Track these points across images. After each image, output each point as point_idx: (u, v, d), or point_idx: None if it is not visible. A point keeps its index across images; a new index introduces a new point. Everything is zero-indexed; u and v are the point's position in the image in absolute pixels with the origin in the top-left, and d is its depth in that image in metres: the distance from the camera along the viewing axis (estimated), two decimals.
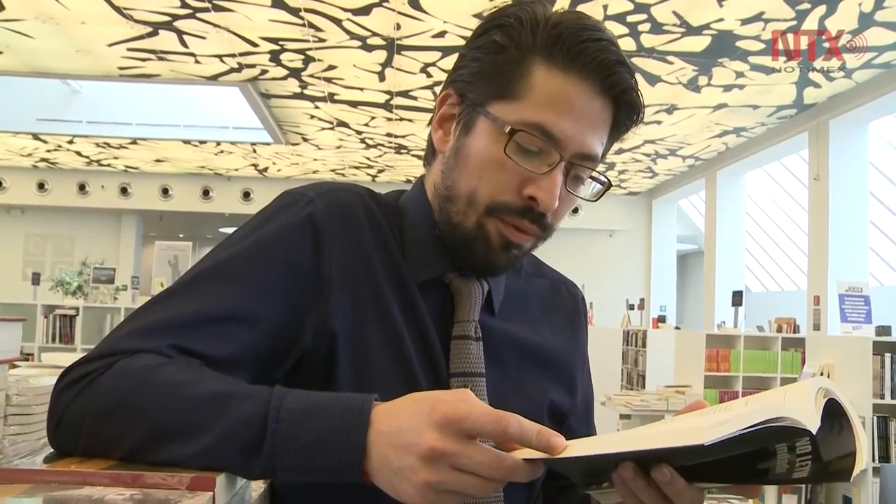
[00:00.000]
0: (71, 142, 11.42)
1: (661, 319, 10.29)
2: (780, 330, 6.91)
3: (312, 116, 9.64)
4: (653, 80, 7.55)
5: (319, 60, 7.46)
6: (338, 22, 6.44)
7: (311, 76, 7.98)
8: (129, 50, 7.30)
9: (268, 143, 11.03)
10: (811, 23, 6.06)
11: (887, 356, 4.32)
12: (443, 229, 0.87)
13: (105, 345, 0.73)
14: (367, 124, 9.93)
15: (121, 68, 7.94)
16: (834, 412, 0.58)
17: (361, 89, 8.38)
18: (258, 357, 0.77)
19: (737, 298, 7.12)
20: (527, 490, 0.87)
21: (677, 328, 10.83)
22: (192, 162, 12.82)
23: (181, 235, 17.61)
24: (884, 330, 5.00)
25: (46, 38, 7.04)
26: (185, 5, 6.16)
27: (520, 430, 0.61)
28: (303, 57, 7.38)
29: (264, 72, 7.88)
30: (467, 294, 0.87)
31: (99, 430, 0.66)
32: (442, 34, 6.60)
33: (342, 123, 9.95)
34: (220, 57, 7.46)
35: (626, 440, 0.62)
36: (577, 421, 0.98)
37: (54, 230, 14.67)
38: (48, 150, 12.16)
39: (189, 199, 13.95)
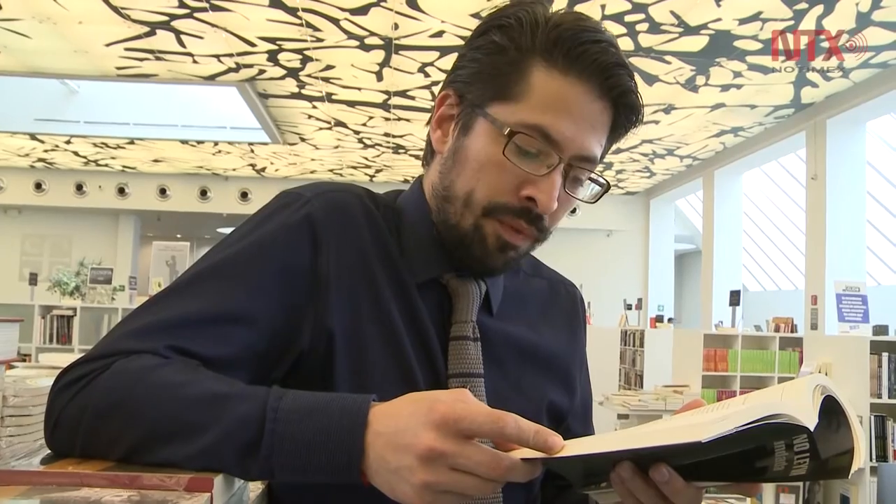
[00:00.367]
0: (68, 142, 11.41)
1: (659, 319, 10.30)
2: (777, 329, 6.92)
3: (310, 116, 9.64)
4: (650, 79, 7.56)
5: (317, 60, 7.46)
6: (336, 22, 6.44)
7: (309, 76, 7.97)
8: (127, 50, 7.29)
9: (265, 143, 11.02)
10: (808, 23, 6.07)
11: (884, 355, 4.32)
12: (440, 230, 0.87)
13: (102, 346, 0.73)
14: (364, 124, 9.93)
15: (118, 68, 7.93)
16: (831, 409, 0.58)
17: (359, 89, 8.38)
18: (256, 357, 0.77)
19: (734, 298, 7.12)
20: (525, 490, 0.87)
21: (670, 320, 10.85)
22: (189, 162, 12.81)
23: (179, 235, 17.60)
24: (881, 329, 5.00)
25: (44, 38, 7.03)
26: (182, 5, 6.15)
27: (517, 429, 0.61)
28: (300, 57, 7.38)
29: (262, 71, 7.88)
30: (465, 295, 0.87)
31: (96, 431, 0.66)
32: (440, 34, 6.60)
33: (340, 123, 9.95)
34: (217, 57, 7.46)
35: (624, 439, 0.62)
36: (575, 421, 0.98)
37: (51, 230, 14.66)
38: (45, 150, 12.14)
39: (187, 199, 13.93)
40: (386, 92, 8.45)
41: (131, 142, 11.27)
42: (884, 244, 11.18)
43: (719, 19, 6.10)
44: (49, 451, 0.69)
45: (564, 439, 0.65)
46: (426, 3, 6.00)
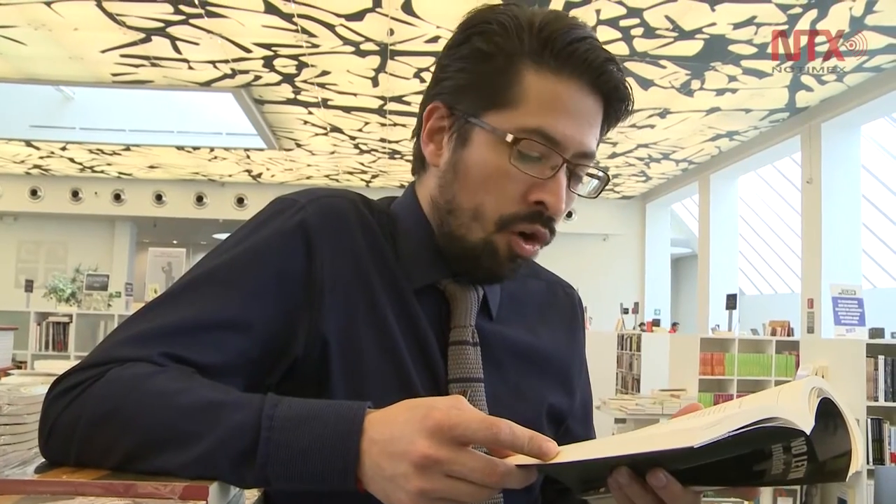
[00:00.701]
0: (64, 148, 11.39)
1: (656, 323, 10.30)
2: (774, 333, 6.92)
3: (306, 122, 9.64)
4: (646, 84, 7.57)
5: (313, 66, 7.47)
6: (331, 27, 6.44)
7: (305, 82, 7.98)
8: (123, 56, 7.29)
9: (261, 149, 11.01)
10: (803, 27, 6.09)
11: (881, 358, 4.33)
12: (442, 241, 0.86)
13: (97, 353, 0.73)
14: (360, 130, 9.94)
15: (114, 74, 7.92)
16: (828, 412, 0.58)
17: (355, 95, 8.39)
18: (251, 364, 0.77)
19: (731, 302, 7.13)
20: (526, 493, 0.87)
21: (674, 325, 10.84)
22: (185, 168, 12.80)
23: (175, 242, 17.58)
24: (877, 332, 5.02)
25: (39, 45, 7.02)
26: (178, 11, 6.16)
27: (511, 436, 0.61)
28: (296, 62, 7.38)
29: (258, 77, 7.88)
30: (463, 299, 0.87)
31: (91, 440, 0.66)
32: (435, 39, 6.61)
33: (336, 129, 9.95)
34: (213, 63, 7.46)
35: (618, 444, 0.62)
36: (575, 423, 0.98)
37: (47, 237, 14.63)
38: (41, 157, 12.12)
39: (183, 205, 13.92)
40: (382, 97, 8.46)
41: (127, 148, 11.25)
42: (879, 247, 11.22)
43: (714, 24, 6.12)
44: (43, 460, 0.69)
45: (565, 441, 0.65)
46: (421, 9, 6.01)
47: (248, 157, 11.79)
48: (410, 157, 0.94)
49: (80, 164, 12.57)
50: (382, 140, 10.48)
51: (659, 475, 0.61)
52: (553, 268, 1.05)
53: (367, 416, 0.64)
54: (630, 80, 0.83)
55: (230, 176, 13.47)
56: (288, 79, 7.90)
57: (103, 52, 7.17)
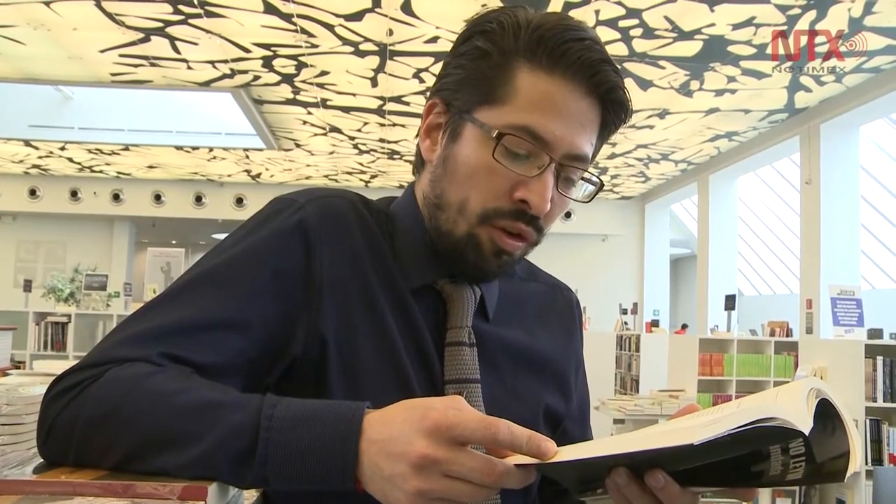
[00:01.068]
0: (63, 148, 11.38)
1: (655, 324, 10.31)
2: (772, 333, 6.92)
3: (305, 122, 9.64)
4: (645, 84, 7.58)
5: (312, 66, 7.46)
6: (330, 28, 6.44)
7: (304, 82, 7.98)
8: (122, 56, 7.29)
9: (260, 149, 11.01)
10: (802, 28, 6.10)
11: (879, 359, 4.33)
12: (433, 237, 0.86)
13: (96, 353, 0.73)
14: (359, 130, 9.94)
15: (113, 74, 7.92)
16: (826, 412, 0.57)
17: (354, 95, 8.39)
18: (249, 364, 0.77)
19: (730, 302, 7.14)
20: (523, 494, 0.87)
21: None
22: (184, 168, 12.80)
23: (174, 242, 17.58)
24: (876, 333, 5.02)
25: (38, 45, 7.02)
26: (177, 11, 6.15)
27: (510, 435, 0.61)
28: (295, 63, 7.38)
29: (257, 77, 7.88)
30: (459, 300, 0.87)
31: (89, 440, 0.66)
32: (434, 39, 6.61)
33: (335, 129, 9.95)
34: (212, 63, 7.46)
35: (616, 444, 0.62)
36: (572, 424, 0.98)
37: (46, 237, 14.62)
38: (40, 157, 12.12)
39: (182, 205, 13.92)
40: (381, 98, 8.46)
41: (126, 148, 11.25)
42: (878, 248, 11.23)
43: (713, 24, 6.13)
44: (42, 460, 0.69)
45: (562, 443, 0.64)
46: (421, 9, 6.01)
47: (247, 157, 11.79)
48: (409, 158, 0.95)
49: (79, 163, 12.57)
50: (381, 140, 10.48)
51: (657, 476, 0.61)
52: (552, 268, 1.05)
53: (366, 417, 0.64)
54: (629, 81, 0.83)
55: (229, 176, 13.46)
56: (287, 79, 7.90)
57: (102, 51, 7.16)
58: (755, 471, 0.59)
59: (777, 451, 0.57)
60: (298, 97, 8.54)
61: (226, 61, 7.37)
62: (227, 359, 0.75)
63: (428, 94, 0.90)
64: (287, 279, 0.79)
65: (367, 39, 6.69)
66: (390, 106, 8.75)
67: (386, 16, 6.15)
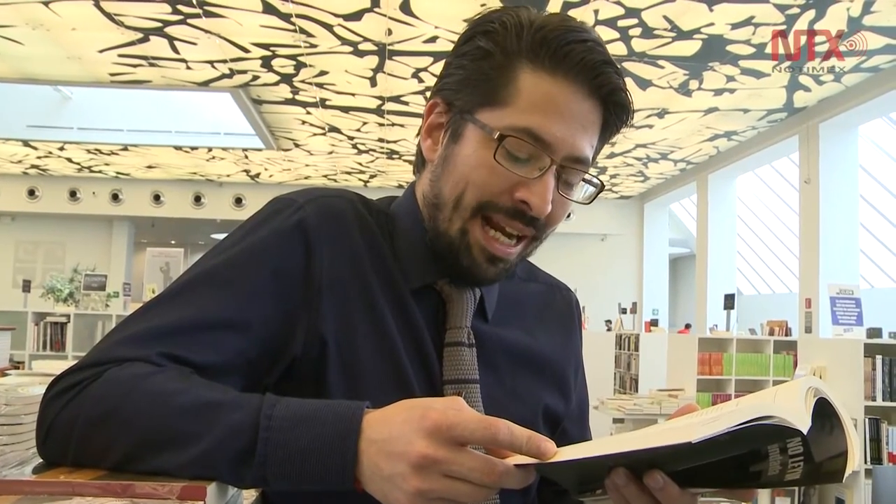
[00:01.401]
0: (62, 148, 11.37)
1: (654, 323, 10.31)
2: (771, 333, 6.93)
3: (304, 122, 9.64)
4: (644, 84, 7.58)
5: (311, 66, 7.46)
6: (329, 27, 6.44)
7: (303, 82, 7.97)
8: (120, 56, 7.28)
9: (259, 149, 11.01)
10: (800, 27, 6.10)
11: (878, 358, 4.34)
12: (432, 238, 0.86)
13: (95, 353, 0.73)
14: (358, 130, 9.93)
15: (112, 74, 7.92)
16: (824, 412, 0.57)
17: (353, 95, 8.38)
18: (249, 364, 0.77)
19: (729, 302, 7.14)
20: (522, 494, 0.87)
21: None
22: (183, 168, 12.79)
23: (173, 242, 17.57)
24: (875, 332, 5.03)
25: (37, 45, 7.01)
26: (176, 11, 6.15)
27: (510, 435, 0.61)
28: (294, 63, 7.38)
29: (256, 77, 7.88)
30: (459, 301, 0.87)
31: (89, 440, 0.66)
32: (433, 39, 6.61)
33: (334, 129, 9.95)
34: (211, 63, 7.45)
35: (615, 443, 0.62)
36: (572, 425, 0.98)
37: (45, 237, 14.61)
38: (39, 157, 12.11)
39: (181, 205, 13.91)
40: (380, 97, 8.46)
41: (125, 148, 11.24)
42: (877, 247, 11.23)
43: (712, 24, 6.13)
44: (41, 461, 0.69)
45: (561, 443, 0.64)
46: (420, 9, 6.01)
47: (247, 157, 11.78)
48: (408, 158, 0.95)
49: (78, 164, 12.56)
50: (380, 140, 10.47)
51: (656, 476, 0.61)
52: (551, 268, 1.05)
53: (366, 416, 0.64)
54: (628, 81, 0.82)
55: (228, 176, 13.45)
56: (286, 79, 7.89)
57: (101, 51, 7.16)
58: (753, 471, 0.59)
59: (775, 451, 0.57)
60: (297, 97, 8.54)
61: (225, 61, 7.37)
62: (226, 359, 0.75)
63: (429, 93, 0.89)
64: (287, 279, 0.79)
65: (366, 39, 6.69)
66: (389, 106, 8.75)
67: (385, 15, 6.15)
